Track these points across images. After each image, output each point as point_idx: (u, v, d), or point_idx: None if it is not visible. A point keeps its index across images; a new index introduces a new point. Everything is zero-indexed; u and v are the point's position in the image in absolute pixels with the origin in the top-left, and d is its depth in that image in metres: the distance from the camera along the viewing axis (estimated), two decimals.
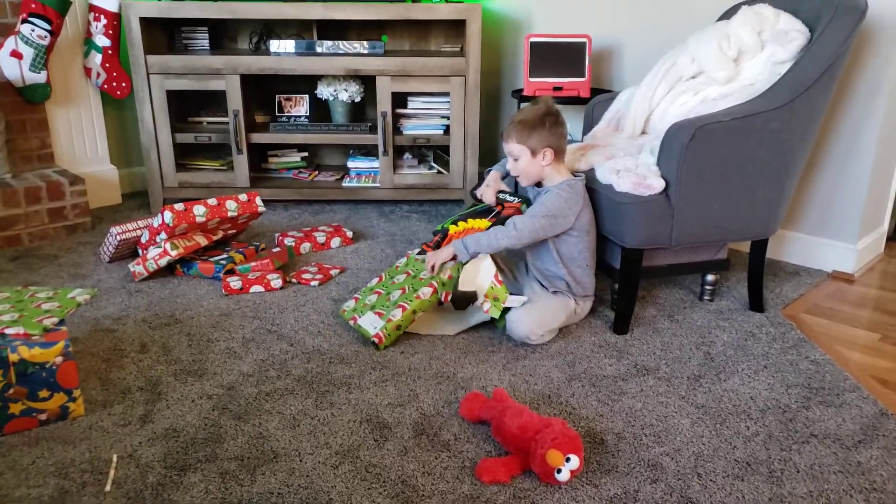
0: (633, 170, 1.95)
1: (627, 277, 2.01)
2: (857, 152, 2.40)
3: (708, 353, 1.94)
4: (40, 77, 2.86)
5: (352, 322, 2.00)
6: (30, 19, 2.76)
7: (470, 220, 2.23)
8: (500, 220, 2.09)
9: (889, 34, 2.25)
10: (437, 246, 2.13)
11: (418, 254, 2.22)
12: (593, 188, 2.03)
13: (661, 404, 1.70)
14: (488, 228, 2.06)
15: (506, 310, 1.97)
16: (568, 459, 1.38)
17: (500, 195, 2.20)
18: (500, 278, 1.97)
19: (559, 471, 1.38)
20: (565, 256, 2.00)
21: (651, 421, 1.63)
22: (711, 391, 1.76)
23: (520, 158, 1.99)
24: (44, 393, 1.58)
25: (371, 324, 1.96)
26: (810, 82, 1.91)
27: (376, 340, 1.91)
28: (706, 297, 2.27)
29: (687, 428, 1.61)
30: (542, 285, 2.06)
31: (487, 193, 2.20)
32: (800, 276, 2.50)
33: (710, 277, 2.24)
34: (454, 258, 2.00)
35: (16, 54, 2.79)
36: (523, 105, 2.93)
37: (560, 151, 1.99)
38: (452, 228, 2.20)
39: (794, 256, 2.62)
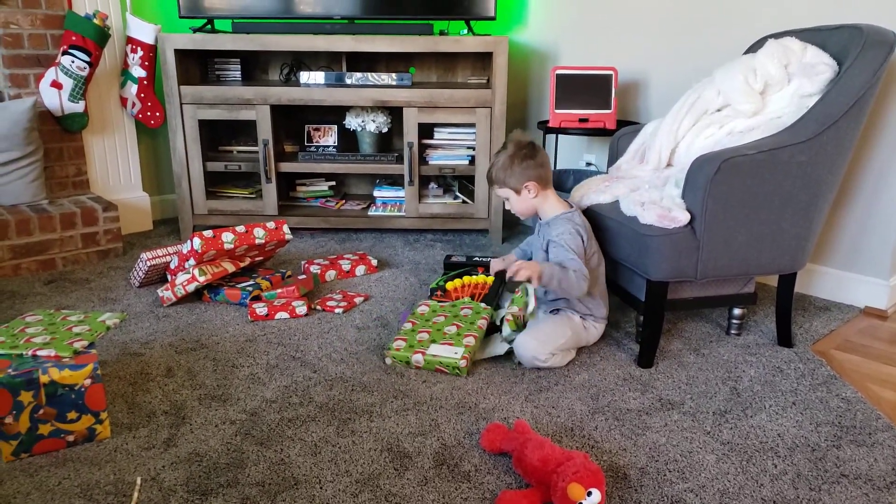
0: (657, 202, 1.94)
1: (652, 310, 2.00)
2: (887, 186, 2.37)
3: (734, 389, 1.91)
4: (78, 107, 2.96)
5: (418, 356, 1.96)
6: (70, 51, 2.86)
7: (465, 277, 2.31)
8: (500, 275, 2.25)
9: None
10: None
11: (439, 301, 2.28)
12: (617, 220, 2.02)
13: (685, 439, 1.67)
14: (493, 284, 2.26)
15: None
16: (589, 493, 1.36)
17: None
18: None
19: None
20: None
21: (675, 456, 1.60)
22: (738, 427, 1.72)
23: (509, 199, 2.10)
24: (72, 414, 1.60)
25: (449, 352, 1.95)
26: (838, 115, 1.90)
27: (464, 363, 1.91)
28: (733, 332, 2.24)
29: (712, 464, 1.58)
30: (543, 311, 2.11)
31: (496, 265, 2.29)
32: (830, 311, 2.46)
33: (737, 311, 2.21)
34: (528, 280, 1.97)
35: (56, 84, 2.89)
36: (558, 148, 2.95)
37: (542, 180, 2.05)
38: (450, 285, 2.33)
39: (824, 291, 2.58)
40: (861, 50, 1.96)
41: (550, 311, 2.08)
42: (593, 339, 2.10)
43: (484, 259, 2.56)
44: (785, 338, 2.16)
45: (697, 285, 2.06)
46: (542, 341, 1.96)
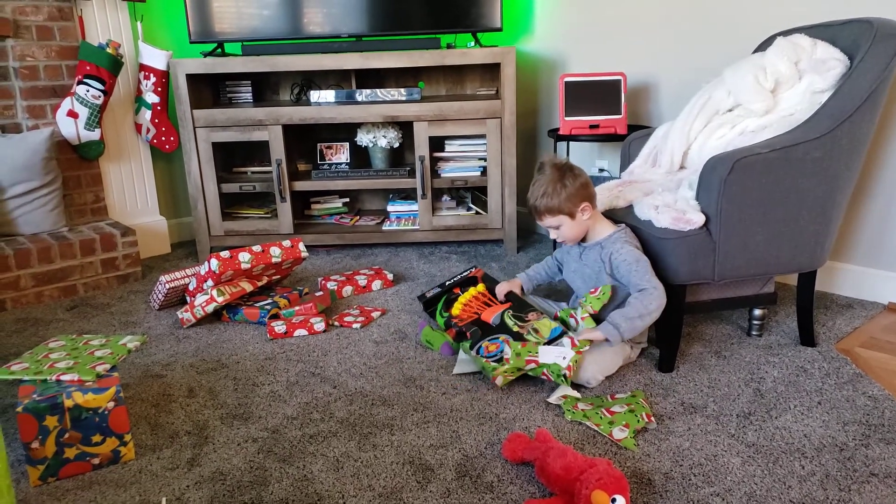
0: (672, 205, 1.93)
1: (671, 314, 1.98)
2: None
3: (758, 390, 1.89)
4: (94, 135, 3.00)
5: (531, 365, 1.87)
6: (85, 80, 2.91)
7: (461, 298, 2.24)
8: (514, 300, 2.16)
9: None
10: (461, 334, 2.09)
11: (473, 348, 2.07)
12: (632, 224, 2.01)
13: (709, 443, 1.65)
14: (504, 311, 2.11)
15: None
16: (614, 500, 1.35)
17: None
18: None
19: None
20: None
21: (700, 460, 1.58)
22: (762, 429, 1.70)
23: (561, 227, 1.98)
24: (97, 437, 1.62)
25: (557, 356, 1.86)
26: (852, 110, 1.88)
27: (568, 372, 1.83)
28: (754, 332, 2.21)
29: (738, 467, 1.56)
30: None
31: (503, 288, 2.21)
32: (853, 308, 2.42)
33: (757, 312, 2.19)
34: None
35: (72, 114, 2.94)
36: (569, 156, 2.95)
37: (594, 199, 1.98)
38: (455, 310, 2.21)
39: (846, 289, 2.54)
40: (872, 43, 1.94)
41: None
42: (628, 363, 2.07)
43: (455, 278, 2.41)
44: (807, 337, 2.14)
45: (716, 287, 2.04)
46: (602, 368, 1.92)
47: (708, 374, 1.98)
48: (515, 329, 2.01)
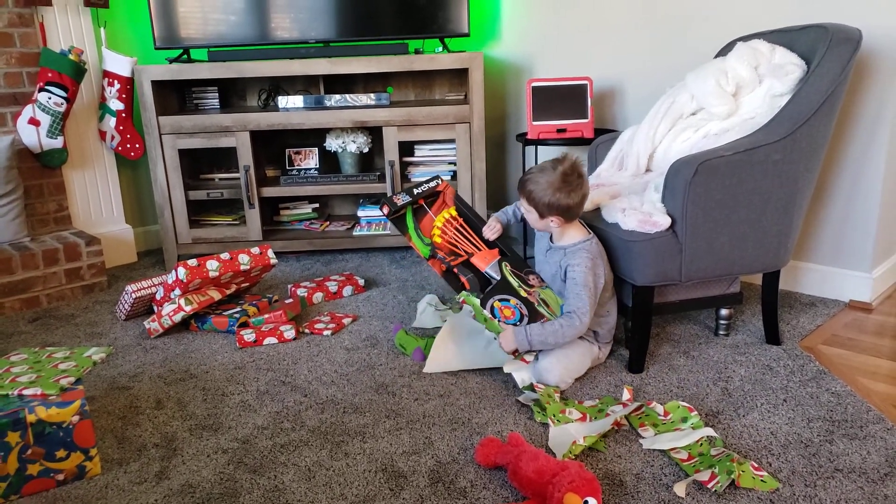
0: (638, 208, 1.96)
1: (640, 315, 2.00)
2: (864, 180, 2.40)
3: (725, 389, 1.92)
4: (57, 143, 2.94)
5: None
6: (47, 87, 2.85)
7: (437, 221, 2.14)
8: (506, 250, 2.13)
9: (887, 63, 2.26)
10: (451, 273, 2.10)
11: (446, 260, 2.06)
12: (600, 227, 2.03)
13: None
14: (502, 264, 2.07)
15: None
16: (586, 502, 1.36)
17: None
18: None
19: None
20: None
21: (670, 460, 1.60)
22: (731, 427, 1.73)
23: (530, 213, 1.99)
24: (61, 453, 1.58)
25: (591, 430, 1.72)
26: (810, 113, 1.93)
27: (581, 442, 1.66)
28: (721, 332, 2.25)
29: None
30: None
31: (496, 229, 2.18)
32: (816, 306, 2.48)
33: (724, 312, 2.22)
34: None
35: (33, 122, 2.88)
36: (539, 161, 2.96)
37: (571, 215, 1.95)
38: (437, 238, 2.15)
39: (809, 287, 2.60)
40: (828, 48, 1.99)
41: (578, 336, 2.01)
42: (599, 363, 2.09)
43: (421, 188, 2.22)
44: (773, 336, 2.18)
45: (683, 288, 2.07)
46: (569, 370, 1.93)
47: (677, 375, 2.01)
48: (523, 294, 1.97)
